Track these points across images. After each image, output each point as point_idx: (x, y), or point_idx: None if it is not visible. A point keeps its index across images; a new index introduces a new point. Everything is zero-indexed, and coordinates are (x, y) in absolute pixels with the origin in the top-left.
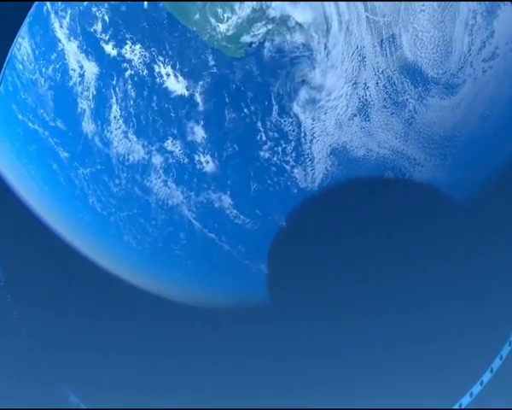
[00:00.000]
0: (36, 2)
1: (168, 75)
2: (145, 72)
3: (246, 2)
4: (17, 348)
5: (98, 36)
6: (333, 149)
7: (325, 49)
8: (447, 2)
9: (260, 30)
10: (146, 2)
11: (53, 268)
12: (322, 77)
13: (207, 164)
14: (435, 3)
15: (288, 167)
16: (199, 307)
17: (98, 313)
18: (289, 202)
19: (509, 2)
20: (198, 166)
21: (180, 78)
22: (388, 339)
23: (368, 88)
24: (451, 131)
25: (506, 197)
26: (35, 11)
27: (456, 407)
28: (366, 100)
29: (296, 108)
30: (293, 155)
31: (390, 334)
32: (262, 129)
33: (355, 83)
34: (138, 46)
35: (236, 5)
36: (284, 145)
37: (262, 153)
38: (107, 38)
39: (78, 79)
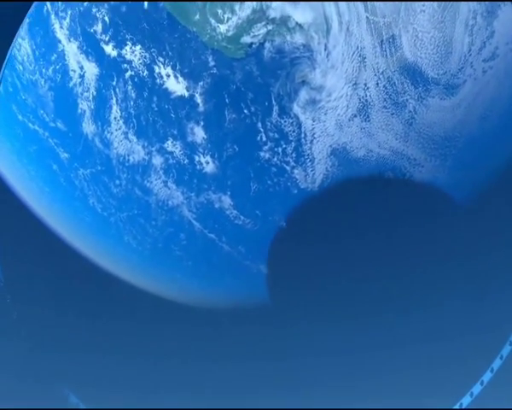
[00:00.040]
0: (36, 3)
1: (168, 76)
2: (145, 72)
3: (246, 3)
4: (17, 348)
5: (98, 37)
6: (333, 150)
7: (325, 49)
8: (447, 3)
9: (260, 30)
10: (146, 3)
11: (53, 269)
12: (322, 77)
13: (207, 165)
14: (435, 4)
15: (288, 168)
16: (199, 308)
17: (98, 314)
18: (289, 203)
19: (509, 3)
20: (198, 166)
21: (180, 78)
22: (388, 339)
23: (368, 88)
24: (452, 132)
25: (506, 197)
26: (35, 12)
27: (457, 407)
28: (366, 100)
29: (296, 109)
30: (294, 155)
31: (390, 334)
32: (262, 130)
33: (355, 83)
34: (138, 47)
35: (236, 6)
36: (284, 146)
37: (262, 153)
38: (107, 38)
39: (79, 80)
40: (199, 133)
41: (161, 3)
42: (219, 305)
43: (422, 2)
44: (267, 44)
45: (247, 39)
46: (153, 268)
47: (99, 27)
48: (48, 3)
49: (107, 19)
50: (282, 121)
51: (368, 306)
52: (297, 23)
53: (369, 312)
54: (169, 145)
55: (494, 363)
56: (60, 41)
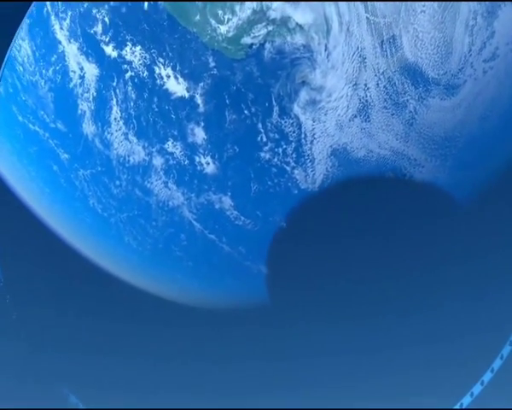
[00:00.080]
0: (35, 3)
1: (168, 77)
2: (145, 73)
3: (246, 4)
4: (17, 348)
5: (98, 37)
6: (333, 150)
7: (325, 50)
8: (448, 3)
9: (261, 31)
10: (146, 4)
11: (53, 269)
12: (322, 78)
13: (208, 165)
14: (436, 4)
15: (288, 168)
16: (199, 308)
17: (98, 314)
18: (290, 203)
19: (508, 3)
20: (198, 167)
21: (180, 79)
22: (389, 339)
23: (368, 89)
24: (452, 132)
25: (506, 197)
26: (35, 13)
27: (457, 406)
28: (367, 101)
29: (297, 110)
30: (294, 156)
31: (391, 334)
32: (262, 130)
33: (355, 84)
34: (138, 48)
35: (237, 6)
36: (285, 146)
37: (262, 154)
38: (107, 39)
39: (79, 81)
40: (199, 134)
41: (161, 4)
42: (220, 305)
43: (423, 3)
44: (267, 45)
45: (247, 40)
46: (153, 269)
47: (99, 28)
48: (48, 4)
49: (107, 20)
50: (283, 122)
51: (368, 306)
52: (297, 24)
53: (370, 312)
54: (169, 146)
55: (494, 363)
56: (60, 42)
